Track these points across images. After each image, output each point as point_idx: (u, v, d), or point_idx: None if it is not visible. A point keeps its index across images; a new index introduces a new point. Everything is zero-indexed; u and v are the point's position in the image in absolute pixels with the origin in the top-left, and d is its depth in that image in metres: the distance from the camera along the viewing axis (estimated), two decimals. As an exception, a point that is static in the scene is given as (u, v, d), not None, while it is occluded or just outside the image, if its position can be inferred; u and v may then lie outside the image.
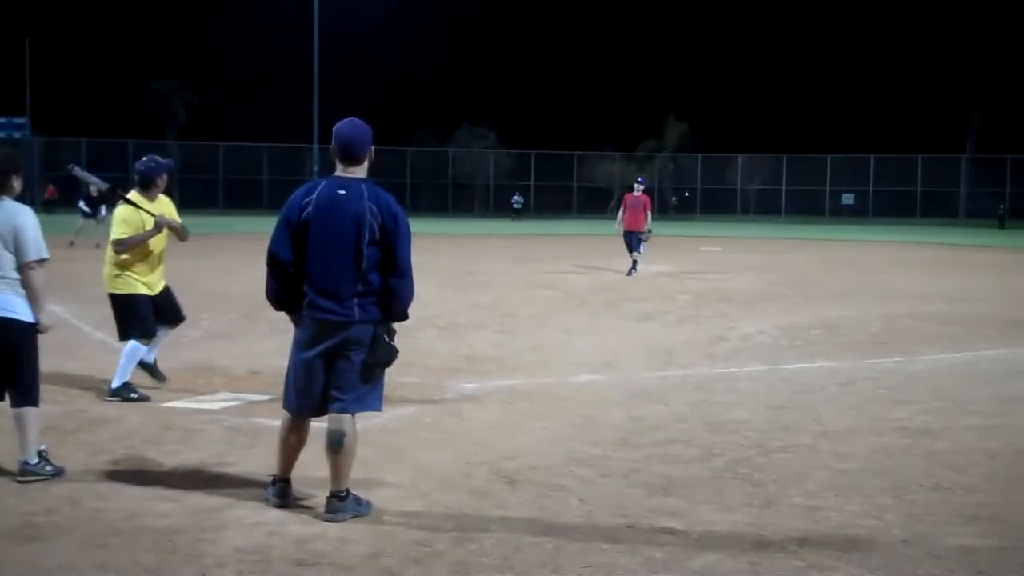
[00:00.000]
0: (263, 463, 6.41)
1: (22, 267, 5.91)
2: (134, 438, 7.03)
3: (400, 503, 5.67)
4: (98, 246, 26.59)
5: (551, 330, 12.95)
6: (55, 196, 55.58)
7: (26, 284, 5.94)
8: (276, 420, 7.43)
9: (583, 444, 7.09)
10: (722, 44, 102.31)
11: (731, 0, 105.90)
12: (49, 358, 9.97)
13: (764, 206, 75.87)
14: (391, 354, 5.44)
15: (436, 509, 5.59)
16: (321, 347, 5.36)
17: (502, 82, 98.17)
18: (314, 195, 5.38)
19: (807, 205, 73.52)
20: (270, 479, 5.75)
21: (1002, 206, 62.07)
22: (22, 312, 5.94)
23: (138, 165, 8.56)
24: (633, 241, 21.75)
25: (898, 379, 9.81)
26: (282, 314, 5.64)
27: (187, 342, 11.44)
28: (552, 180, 74.97)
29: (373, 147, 5.55)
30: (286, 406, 5.63)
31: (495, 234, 43.69)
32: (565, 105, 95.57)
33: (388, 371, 5.55)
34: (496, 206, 74.13)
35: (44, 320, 6.09)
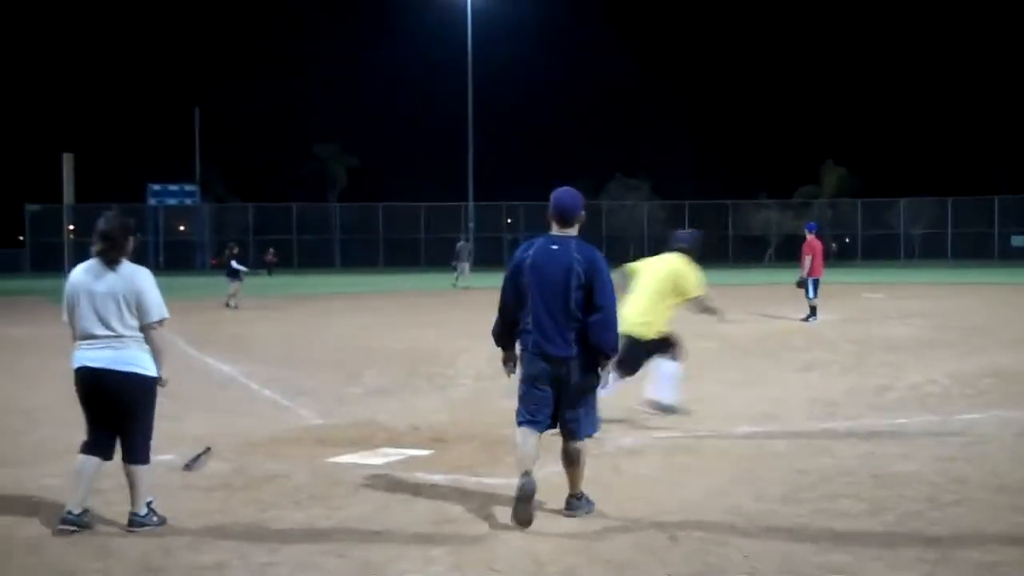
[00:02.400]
0: (425, 517, 6.50)
1: (145, 327, 6.21)
2: (300, 494, 7.19)
3: (562, 557, 5.64)
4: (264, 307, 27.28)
5: (710, 381, 12.76)
6: (276, 259, 60.91)
7: (150, 342, 6.24)
8: (437, 475, 7.58)
9: (746, 498, 6.95)
10: (879, 86, 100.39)
11: (887, 43, 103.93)
12: (218, 416, 10.37)
13: (929, 250, 73.53)
14: (598, 380, 6.48)
15: (597, 564, 5.55)
16: (545, 377, 6.35)
17: (654, 132, 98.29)
18: (531, 251, 6.48)
19: (975, 248, 70.94)
20: (519, 482, 6.29)
21: None
22: (148, 367, 6.24)
23: (683, 236, 10.34)
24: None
25: (1080, 428, 9.32)
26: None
27: (350, 398, 11.70)
28: (707, 229, 74.33)
29: (583, 212, 6.66)
30: (518, 421, 6.51)
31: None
32: (719, 153, 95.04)
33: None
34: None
35: (164, 375, 6.35)
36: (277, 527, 6.36)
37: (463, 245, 42.19)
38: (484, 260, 68.16)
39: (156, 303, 6.26)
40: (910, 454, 8.29)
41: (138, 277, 6.24)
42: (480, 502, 6.87)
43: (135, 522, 6.22)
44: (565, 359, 6.28)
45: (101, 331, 6.16)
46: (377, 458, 8.38)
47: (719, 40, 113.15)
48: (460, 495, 7.09)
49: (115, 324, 6.15)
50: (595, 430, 6.67)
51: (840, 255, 76.42)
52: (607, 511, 6.62)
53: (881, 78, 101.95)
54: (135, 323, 6.20)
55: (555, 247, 6.40)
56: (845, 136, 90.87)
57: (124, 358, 6.15)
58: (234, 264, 28.91)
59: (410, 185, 79.31)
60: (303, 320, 24.15)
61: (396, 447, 8.81)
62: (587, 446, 6.61)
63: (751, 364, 14.65)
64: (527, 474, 6.30)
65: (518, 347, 6.58)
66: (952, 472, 7.61)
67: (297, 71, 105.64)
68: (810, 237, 22.10)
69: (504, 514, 6.46)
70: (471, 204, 69.71)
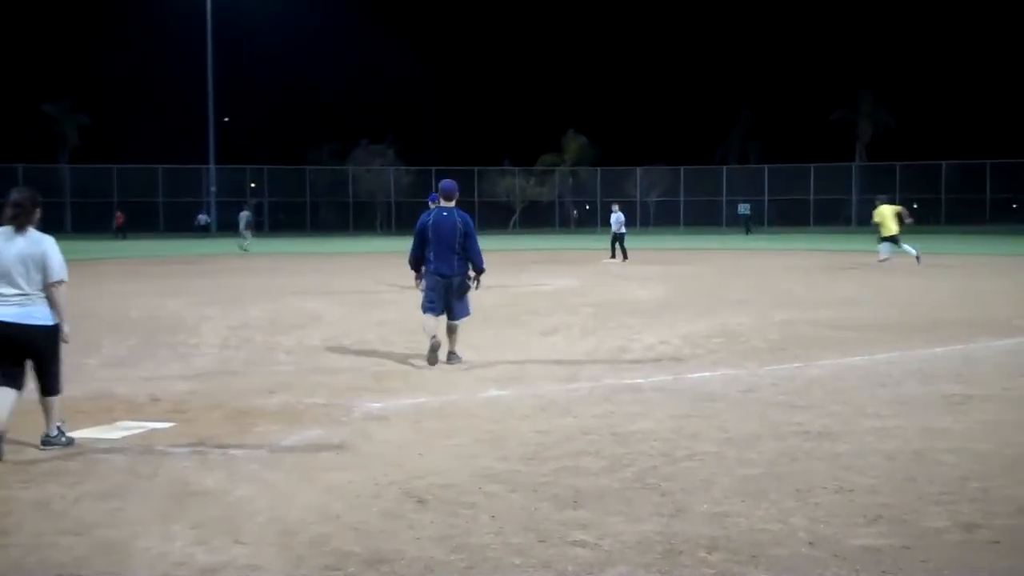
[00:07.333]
0: (167, 491, 6.31)
1: (47, 286, 7.23)
2: (34, 470, 6.86)
3: (309, 527, 5.60)
4: None
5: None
6: (122, 222, 62.32)
7: (50, 298, 7.26)
8: (179, 448, 7.40)
9: (492, 460, 7.10)
10: (618, 56, 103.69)
11: (626, 13, 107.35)
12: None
13: (663, 217, 76.90)
14: (470, 286, 11.35)
15: (346, 532, 5.54)
16: (439, 286, 11.17)
17: (400, 99, 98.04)
18: (431, 216, 11.25)
19: (704, 215, 74.73)
20: (430, 342, 11.00)
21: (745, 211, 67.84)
22: (45, 318, 7.24)
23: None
24: None
25: (798, 384, 10.01)
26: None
27: (85, 369, 11.18)
28: (453, 196, 74.94)
29: (457, 193, 11.33)
30: (423, 310, 11.23)
31: (398, 252, 43.43)
32: (463, 120, 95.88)
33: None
34: (399, 224, 73.72)
35: (67, 329, 7.43)
36: (9, 506, 6.02)
37: (246, 214, 46.30)
38: (225, 226, 66.19)
39: (59, 265, 7.29)
40: (646, 412, 8.68)
41: (45, 242, 7.32)
42: (225, 473, 6.74)
43: (48, 441, 7.39)
44: (451, 275, 11.16)
45: (10, 290, 7.13)
46: (115, 432, 8.07)
47: (465, 7, 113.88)
48: (204, 467, 6.92)
49: (23, 283, 7.16)
50: (468, 315, 11.51)
51: (581, 222, 78.80)
52: (356, 479, 6.62)
53: (621, 46, 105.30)
54: (40, 281, 7.19)
55: (445, 213, 11.21)
56: (585, 105, 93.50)
57: (31, 313, 7.17)
58: None
59: (148, 147, 76.23)
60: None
61: (135, 420, 8.50)
62: (462, 324, 11.51)
63: (496, 329, 14.92)
64: (434, 337, 10.99)
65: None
66: (685, 428, 8.02)
67: (23, 22, 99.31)
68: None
69: (250, 486, 6.38)
70: (212, 167, 67.69)
